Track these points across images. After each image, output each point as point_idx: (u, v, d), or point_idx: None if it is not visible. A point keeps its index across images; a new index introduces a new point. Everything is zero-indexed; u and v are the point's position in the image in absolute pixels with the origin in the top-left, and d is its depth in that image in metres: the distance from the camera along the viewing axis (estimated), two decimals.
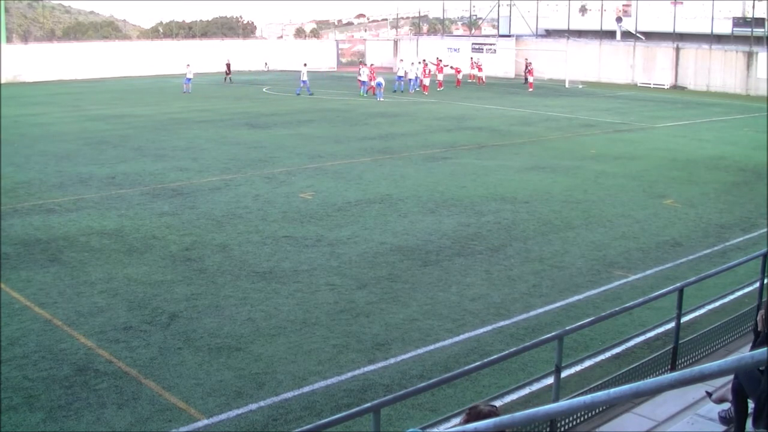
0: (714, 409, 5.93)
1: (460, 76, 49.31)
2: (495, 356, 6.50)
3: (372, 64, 46.93)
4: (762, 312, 5.62)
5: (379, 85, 38.37)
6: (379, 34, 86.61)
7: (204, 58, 58.30)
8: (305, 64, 40.37)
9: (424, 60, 45.21)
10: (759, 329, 5.61)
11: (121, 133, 25.20)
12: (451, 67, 49.94)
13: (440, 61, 47.94)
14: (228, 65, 49.79)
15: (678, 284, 7.49)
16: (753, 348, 5.56)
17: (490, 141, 24.37)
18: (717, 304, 9.68)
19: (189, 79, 40.52)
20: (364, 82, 40.34)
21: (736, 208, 15.65)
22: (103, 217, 14.13)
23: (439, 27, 76.33)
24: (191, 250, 12.11)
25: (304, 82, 39.65)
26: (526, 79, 48.46)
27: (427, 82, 43.09)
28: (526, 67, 49.63)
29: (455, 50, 58.88)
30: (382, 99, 37.40)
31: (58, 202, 15.24)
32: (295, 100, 37.44)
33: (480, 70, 51.17)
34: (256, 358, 8.25)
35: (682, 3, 51.68)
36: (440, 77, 45.74)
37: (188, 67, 41.01)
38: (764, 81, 43.08)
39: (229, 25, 74.74)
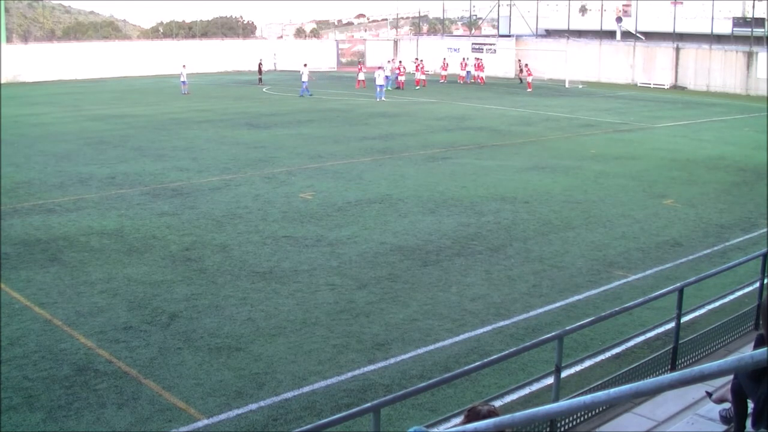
0: (714, 409, 5.93)
1: (463, 73, 50.18)
2: (495, 356, 6.50)
3: (400, 61, 47.63)
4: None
5: (380, 87, 38.35)
6: (379, 34, 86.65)
7: (204, 58, 58.41)
8: (305, 65, 40.17)
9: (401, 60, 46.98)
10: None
11: (121, 133, 25.20)
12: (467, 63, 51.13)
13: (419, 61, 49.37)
14: (260, 65, 49.57)
15: (678, 284, 7.49)
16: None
17: (490, 141, 24.37)
18: (717, 304, 9.67)
19: (184, 81, 40.44)
20: (387, 77, 39.55)
21: (736, 208, 15.65)
22: (103, 217, 14.13)
23: (439, 27, 76.32)
24: (191, 250, 12.11)
25: (304, 83, 39.36)
26: (521, 80, 48.71)
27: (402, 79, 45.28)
28: (520, 67, 50.02)
29: (455, 50, 58.92)
30: (383, 99, 37.39)
31: (58, 202, 15.24)
32: (296, 99, 37.45)
33: (481, 69, 51.31)
34: (256, 358, 8.25)
35: (682, 3, 51.68)
36: (419, 76, 46.18)
37: (184, 68, 40.90)
38: (764, 81, 43.09)
39: (229, 25, 74.76)
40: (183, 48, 57.86)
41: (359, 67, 47.67)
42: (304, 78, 39.35)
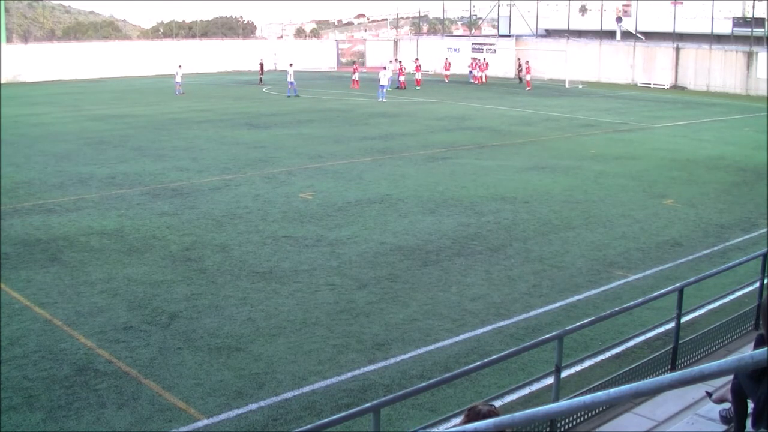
0: (714, 409, 5.93)
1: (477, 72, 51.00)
2: (495, 356, 6.50)
3: (400, 61, 47.97)
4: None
5: (382, 87, 38.31)
6: (379, 34, 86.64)
7: (204, 58, 58.39)
8: (291, 65, 40.01)
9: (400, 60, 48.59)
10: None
11: (121, 133, 25.20)
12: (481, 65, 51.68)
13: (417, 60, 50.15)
14: (261, 65, 49.16)
15: (678, 284, 7.48)
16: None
17: (490, 141, 24.37)
18: (717, 304, 9.67)
19: (179, 82, 40.26)
20: (391, 78, 40.10)
21: (736, 208, 15.65)
22: (103, 217, 14.13)
23: (439, 27, 76.32)
24: (191, 250, 12.11)
25: (291, 83, 39.04)
26: (520, 78, 48.80)
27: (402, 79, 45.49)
28: (520, 66, 50.13)
29: (455, 50, 58.93)
30: (384, 100, 37.33)
31: (58, 202, 15.24)
32: (295, 99, 37.44)
33: (481, 69, 51.39)
34: (256, 358, 8.25)
35: (682, 3, 51.68)
36: (418, 76, 46.55)
37: (179, 69, 40.76)
38: (764, 81, 43.09)
39: (229, 25, 74.73)
40: (183, 48, 57.88)
41: (354, 67, 47.73)
42: (291, 78, 39.07)
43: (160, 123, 27.90)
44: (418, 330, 9.09)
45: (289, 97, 38.52)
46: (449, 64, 52.64)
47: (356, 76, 45.25)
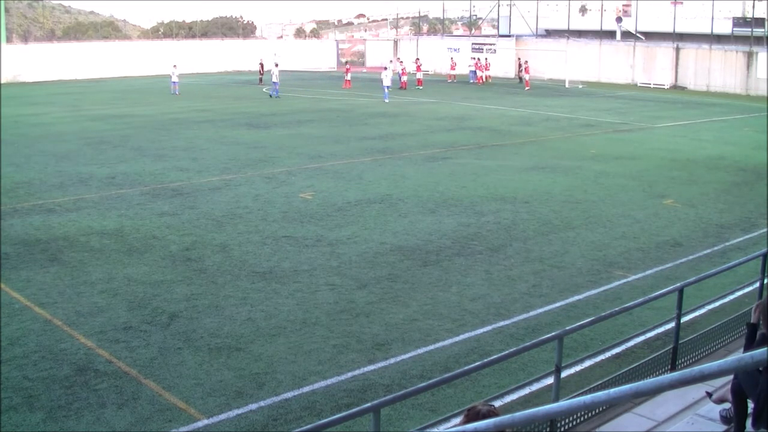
0: (714, 409, 5.93)
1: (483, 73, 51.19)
2: (495, 356, 6.50)
3: (402, 61, 48.33)
4: (760, 305, 5.55)
5: (387, 87, 38.27)
6: (379, 34, 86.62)
7: (204, 58, 58.36)
8: (276, 65, 39.64)
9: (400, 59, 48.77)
10: (753, 321, 5.56)
11: (121, 133, 25.20)
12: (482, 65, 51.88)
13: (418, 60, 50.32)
14: (261, 65, 48.94)
15: (678, 284, 7.49)
16: (747, 343, 5.53)
17: (490, 141, 24.37)
18: (717, 304, 9.68)
19: (175, 82, 40.05)
20: (392, 78, 40.02)
21: (736, 208, 15.65)
22: (103, 217, 14.13)
23: (439, 27, 76.30)
24: (191, 250, 12.11)
25: (275, 83, 38.43)
26: (520, 78, 48.83)
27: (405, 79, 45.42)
28: (520, 66, 50.16)
29: (455, 50, 58.93)
30: (387, 100, 37.28)
31: (58, 202, 15.24)
32: (295, 99, 37.43)
33: (484, 69, 51.45)
34: (256, 358, 8.25)
35: (682, 3, 51.67)
36: (419, 75, 46.74)
37: (174, 68, 40.52)
38: (764, 81, 43.07)
39: (229, 25, 74.70)
40: (183, 48, 57.86)
41: (347, 68, 47.73)
42: (275, 78, 38.43)
43: (160, 123, 27.89)
44: (418, 330, 9.10)
45: (271, 97, 37.96)
46: (455, 64, 52.67)
47: (348, 77, 45.40)
